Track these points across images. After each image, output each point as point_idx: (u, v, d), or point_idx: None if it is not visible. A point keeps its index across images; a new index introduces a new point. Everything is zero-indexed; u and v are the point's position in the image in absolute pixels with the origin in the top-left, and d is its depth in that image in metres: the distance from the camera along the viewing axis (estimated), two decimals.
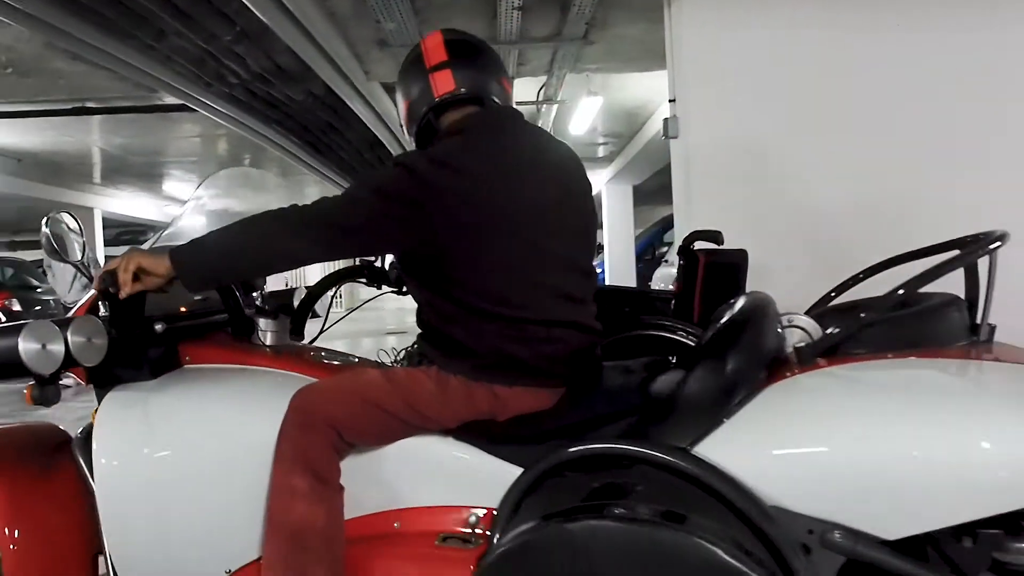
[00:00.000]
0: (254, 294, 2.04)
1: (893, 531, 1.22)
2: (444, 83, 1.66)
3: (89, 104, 7.29)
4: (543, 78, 6.48)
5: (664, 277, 9.51)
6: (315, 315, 2.20)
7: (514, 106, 1.75)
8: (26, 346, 1.58)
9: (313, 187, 11.56)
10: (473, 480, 1.50)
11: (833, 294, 1.36)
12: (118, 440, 1.71)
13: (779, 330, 1.48)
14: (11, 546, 1.72)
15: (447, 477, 1.54)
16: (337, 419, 1.55)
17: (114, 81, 5.89)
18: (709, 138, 3.66)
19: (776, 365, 1.39)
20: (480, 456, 1.52)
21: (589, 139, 10.21)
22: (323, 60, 5.32)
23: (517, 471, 1.44)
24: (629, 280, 11.82)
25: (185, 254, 1.61)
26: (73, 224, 1.88)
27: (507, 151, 1.60)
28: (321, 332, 2.21)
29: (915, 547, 1.26)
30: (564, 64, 5.84)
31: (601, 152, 11.57)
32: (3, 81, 5.85)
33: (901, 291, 1.36)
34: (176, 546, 1.67)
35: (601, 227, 14.36)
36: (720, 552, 1.15)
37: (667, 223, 12.41)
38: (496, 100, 1.70)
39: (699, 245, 3.24)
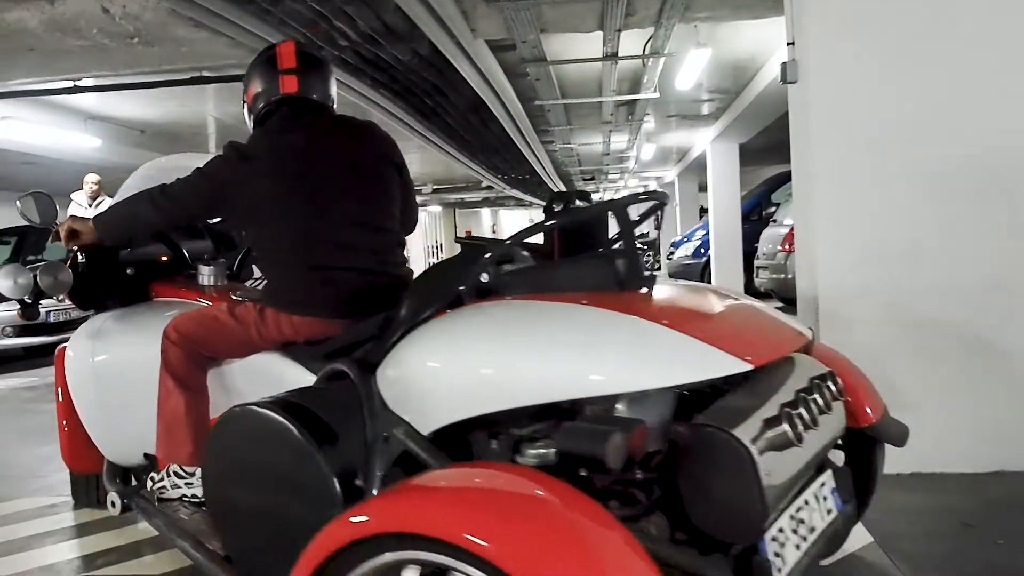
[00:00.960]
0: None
1: (427, 427, 1.59)
2: (290, 84, 2.17)
3: (205, 73, 7.58)
4: (650, 30, 6.32)
5: (771, 238, 9.23)
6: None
7: (331, 104, 2.26)
8: (1, 281, 2.34)
9: (414, 153, 11.69)
10: (294, 387, 1.90)
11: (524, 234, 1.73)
12: (79, 350, 2.50)
13: (482, 274, 1.79)
14: (65, 428, 2.77)
15: (283, 385, 1.95)
16: (194, 339, 2.15)
17: (231, 48, 6.09)
18: (831, 83, 3.42)
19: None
20: (297, 369, 2.02)
21: (693, 95, 9.93)
22: (430, 18, 5.35)
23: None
24: (735, 241, 11.50)
25: (101, 218, 2.28)
26: (45, 198, 2.49)
27: (296, 138, 2.10)
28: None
29: (461, 446, 1.62)
30: (673, 13, 5.66)
31: (706, 109, 11.23)
32: (130, 51, 6.13)
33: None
34: (122, 429, 2.46)
35: (705, 188, 14.02)
36: (294, 431, 1.58)
37: (774, 183, 11.96)
38: (319, 102, 2.20)
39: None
